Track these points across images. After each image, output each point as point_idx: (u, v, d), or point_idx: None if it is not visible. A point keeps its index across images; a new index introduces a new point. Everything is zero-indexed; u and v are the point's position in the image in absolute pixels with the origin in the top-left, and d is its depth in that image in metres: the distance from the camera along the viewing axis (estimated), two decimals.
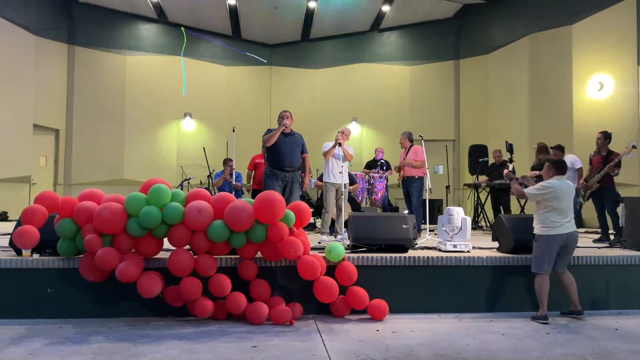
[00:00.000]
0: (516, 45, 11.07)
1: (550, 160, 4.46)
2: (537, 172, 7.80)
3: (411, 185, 7.23)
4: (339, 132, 6.58)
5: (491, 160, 9.11)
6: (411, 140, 7.55)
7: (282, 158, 5.95)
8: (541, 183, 4.31)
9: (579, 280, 4.59)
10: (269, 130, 6.06)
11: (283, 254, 4.04)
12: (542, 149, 8.03)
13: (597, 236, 6.43)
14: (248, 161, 8.39)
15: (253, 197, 4.55)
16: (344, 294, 4.29)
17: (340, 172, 6.32)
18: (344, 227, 6.15)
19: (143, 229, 3.95)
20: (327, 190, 6.43)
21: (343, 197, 6.33)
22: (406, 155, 7.41)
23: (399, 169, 7.48)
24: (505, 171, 4.79)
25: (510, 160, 4.87)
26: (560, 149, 6.98)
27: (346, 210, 6.54)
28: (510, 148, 5.06)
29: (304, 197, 8.84)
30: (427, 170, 6.98)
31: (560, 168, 4.34)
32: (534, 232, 4.33)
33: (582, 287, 4.59)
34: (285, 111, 6.10)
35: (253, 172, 8.25)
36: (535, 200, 4.29)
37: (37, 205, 4.07)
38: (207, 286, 4.00)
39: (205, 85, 12.57)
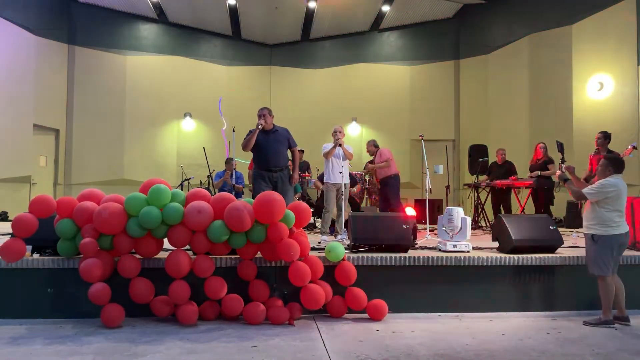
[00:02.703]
0: (516, 45, 11.06)
1: (608, 158, 4.26)
2: (539, 172, 7.83)
3: (387, 184, 7.32)
4: (337, 132, 6.55)
5: (492, 159, 9.09)
6: (376, 146, 7.78)
7: (266, 158, 5.70)
8: (600, 182, 4.14)
9: (579, 280, 4.61)
10: (250, 132, 5.78)
11: (281, 256, 4.03)
12: (546, 149, 8.02)
13: None
14: (248, 161, 8.39)
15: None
16: (342, 294, 4.29)
17: (340, 172, 6.31)
18: (344, 227, 6.15)
19: (143, 229, 3.95)
20: (328, 190, 6.43)
21: (343, 197, 6.32)
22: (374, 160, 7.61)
23: (372, 173, 7.71)
24: (558, 172, 4.56)
25: (562, 161, 4.74)
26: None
27: (346, 211, 6.54)
28: (561, 148, 4.90)
29: (304, 197, 8.85)
30: (427, 172, 6.98)
31: (618, 166, 4.17)
32: (590, 232, 4.14)
33: (582, 287, 4.61)
34: (262, 109, 5.78)
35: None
36: (595, 199, 4.10)
37: (26, 214, 4.01)
38: (203, 288, 4.02)
39: (205, 85, 12.56)
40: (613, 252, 4.10)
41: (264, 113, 5.75)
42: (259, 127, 5.66)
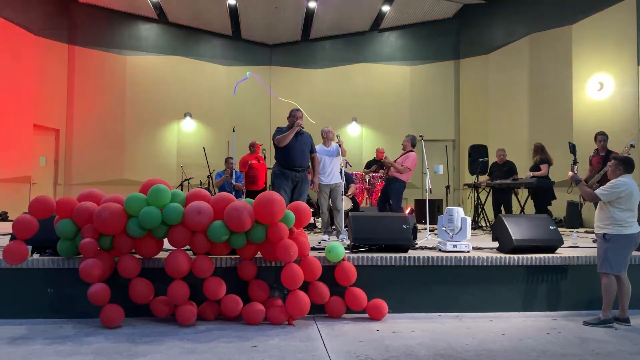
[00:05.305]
0: (516, 45, 11.07)
1: (618, 159, 4.26)
2: (533, 172, 7.83)
3: (390, 186, 7.19)
4: (331, 132, 6.60)
5: (492, 159, 9.09)
6: (413, 145, 7.36)
7: (293, 158, 5.84)
8: (612, 182, 4.15)
9: (579, 280, 4.61)
10: (279, 129, 5.92)
11: (279, 256, 4.03)
12: (538, 149, 8.02)
13: None
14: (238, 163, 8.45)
15: (248, 197, 4.53)
16: (341, 294, 4.28)
17: (339, 172, 6.33)
18: (344, 227, 6.16)
19: (143, 229, 3.95)
20: (320, 190, 6.44)
21: (343, 196, 6.33)
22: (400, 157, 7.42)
23: (385, 167, 7.45)
24: (571, 173, 4.57)
25: (575, 162, 4.76)
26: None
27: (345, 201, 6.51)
28: (573, 149, 4.91)
29: None
30: (427, 172, 6.96)
31: (628, 166, 4.17)
32: (603, 232, 4.14)
33: (582, 287, 4.61)
34: (297, 110, 5.92)
35: (244, 173, 8.31)
36: (609, 200, 4.11)
37: (26, 216, 4.00)
38: (202, 288, 4.02)
39: (205, 85, 12.57)
40: (625, 251, 4.10)
41: (300, 115, 5.89)
42: (301, 127, 5.81)
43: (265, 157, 9.12)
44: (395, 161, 7.19)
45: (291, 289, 4.00)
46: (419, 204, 10.24)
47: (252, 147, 8.61)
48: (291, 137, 5.79)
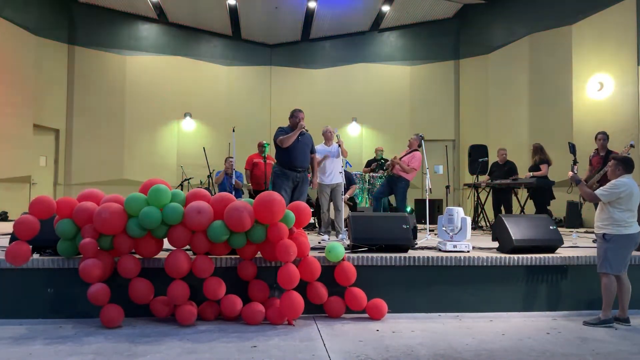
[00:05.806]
0: (516, 45, 11.07)
1: (617, 159, 4.27)
2: (533, 172, 7.82)
3: (396, 185, 7.19)
4: (330, 132, 6.61)
5: (493, 159, 9.08)
6: (419, 145, 7.31)
7: (295, 158, 5.85)
8: (612, 182, 4.15)
9: (579, 280, 4.61)
10: (281, 129, 5.93)
11: (278, 256, 4.02)
12: (537, 149, 8.01)
13: None
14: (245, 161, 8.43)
15: (252, 197, 4.53)
16: (340, 294, 4.28)
17: (340, 172, 6.33)
18: (344, 227, 6.16)
19: (143, 229, 3.95)
20: (321, 190, 6.43)
21: (343, 196, 6.32)
22: (405, 155, 7.37)
23: (391, 164, 7.40)
24: (571, 173, 4.57)
25: (575, 162, 4.77)
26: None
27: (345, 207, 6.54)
28: (573, 149, 4.94)
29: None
30: (427, 172, 6.95)
31: (628, 166, 4.18)
32: (603, 232, 4.14)
33: (582, 287, 4.61)
34: (300, 111, 5.92)
35: (250, 171, 8.28)
36: (609, 200, 4.11)
37: (28, 216, 3.99)
38: (202, 288, 4.02)
39: (205, 85, 12.57)
40: (625, 251, 4.10)
41: (303, 116, 5.89)
42: (303, 128, 5.82)
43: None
44: (400, 159, 7.20)
45: (287, 289, 4.00)
46: (419, 204, 10.24)
47: (260, 146, 8.59)
48: (294, 138, 5.79)
